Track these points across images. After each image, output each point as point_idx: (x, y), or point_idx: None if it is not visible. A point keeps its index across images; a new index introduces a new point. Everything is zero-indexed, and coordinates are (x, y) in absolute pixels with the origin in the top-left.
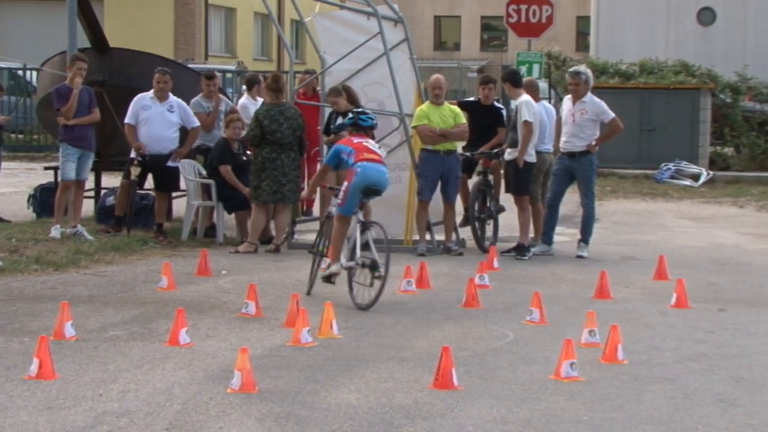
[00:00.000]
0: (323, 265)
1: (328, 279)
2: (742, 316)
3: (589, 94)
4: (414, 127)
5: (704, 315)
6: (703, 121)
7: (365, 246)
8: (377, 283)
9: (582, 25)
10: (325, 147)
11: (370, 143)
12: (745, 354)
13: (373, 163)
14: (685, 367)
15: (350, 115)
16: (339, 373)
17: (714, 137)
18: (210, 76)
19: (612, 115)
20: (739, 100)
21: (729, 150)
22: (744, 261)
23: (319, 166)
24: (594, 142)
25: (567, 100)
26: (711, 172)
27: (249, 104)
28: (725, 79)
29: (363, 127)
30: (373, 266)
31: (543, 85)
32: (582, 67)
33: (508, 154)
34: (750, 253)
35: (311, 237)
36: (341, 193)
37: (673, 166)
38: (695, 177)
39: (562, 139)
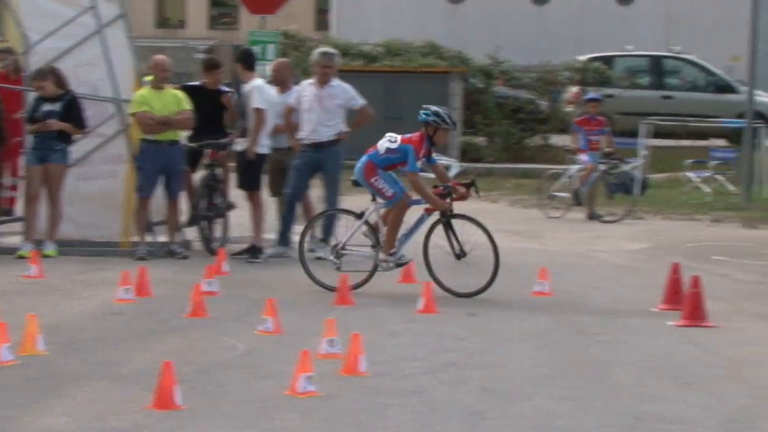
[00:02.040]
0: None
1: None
2: (494, 320)
3: (336, 78)
4: (132, 114)
5: (453, 320)
6: (454, 107)
7: None
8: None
9: (322, 2)
10: (30, 137)
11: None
12: (495, 363)
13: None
14: (432, 378)
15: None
16: (44, 395)
17: (466, 125)
18: None
19: (362, 101)
20: (491, 85)
21: (482, 139)
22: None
23: None
24: (345, 131)
25: (309, 84)
26: (463, 164)
27: None
28: (477, 62)
29: (420, 122)
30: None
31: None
32: (331, 48)
33: (239, 144)
34: (503, 252)
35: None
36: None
37: None
38: (446, 169)
39: (306, 128)
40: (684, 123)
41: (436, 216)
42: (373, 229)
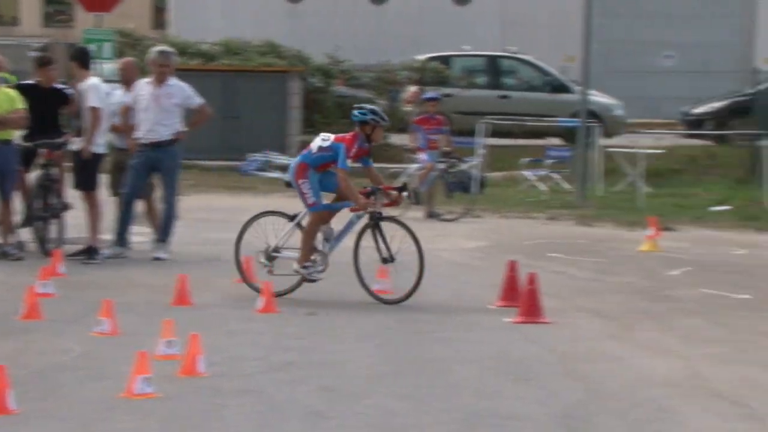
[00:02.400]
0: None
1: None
2: (333, 319)
3: (173, 77)
4: None
5: (293, 320)
6: (293, 107)
7: None
8: None
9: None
10: None
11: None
12: (334, 361)
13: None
14: (271, 378)
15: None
16: None
17: (305, 125)
18: None
19: (200, 100)
20: (331, 85)
21: None
22: (336, 259)
23: None
24: (183, 130)
25: (145, 83)
26: None
27: None
28: (316, 61)
29: (355, 122)
30: None
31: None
32: (168, 47)
33: (74, 144)
34: (342, 251)
35: None
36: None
37: (261, 156)
38: (284, 168)
39: (144, 127)
40: (520, 122)
41: (365, 220)
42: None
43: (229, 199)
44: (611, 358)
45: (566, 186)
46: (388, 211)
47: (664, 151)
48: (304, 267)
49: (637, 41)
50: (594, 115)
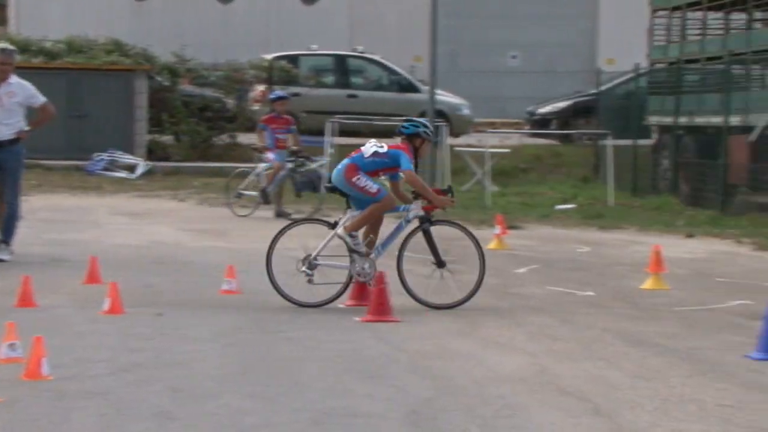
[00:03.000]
0: None
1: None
2: (182, 320)
3: (15, 75)
4: None
5: (140, 321)
6: (140, 106)
7: None
8: None
9: None
10: None
11: (367, 144)
12: (183, 362)
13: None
14: (118, 379)
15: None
16: None
17: (152, 124)
18: None
19: (43, 99)
20: (177, 84)
21: (169, 138)
22: (184, 260)
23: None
24: (26, 129)
25: None
26: (149, 163)
27: None
28: (163, 60)
29: (406, 135)
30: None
31: None
32: (9, 45)
33: None
34: (191, 251)
35: None
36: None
37: (107, 156)
38: (131, 168)
39: None
40: (369, 121)
41: (413, 225)
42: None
43: (74, 200)
44: (460, 355)
45: None
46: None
47: (510, 150)
48: (351, 236)
49: (483, 42)
50: (441, 114)
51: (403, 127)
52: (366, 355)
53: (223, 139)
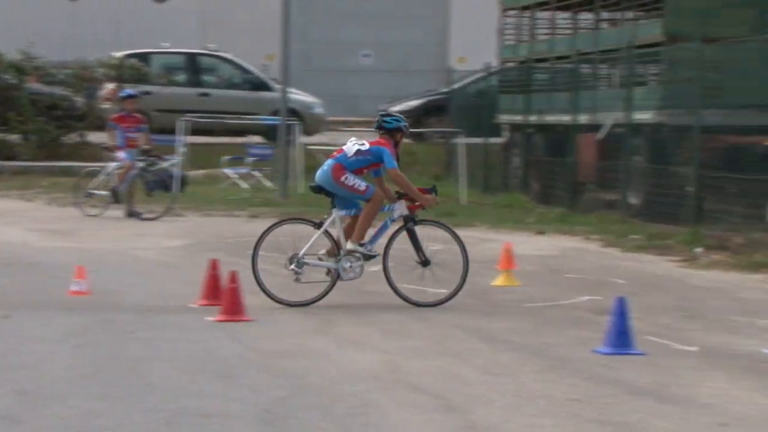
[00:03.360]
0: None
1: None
2: (29, 321)
3: None
4: None
5: None
6: None
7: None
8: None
9: None
10: None
11: (348, 143)
12: (30, 363)
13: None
14: None
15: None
16: None
17: None
18: None
19: None
20: (24, 82)
21: (16, 137)
22: (32, 260)
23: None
24: None
25: None
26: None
27: None
28: (8, 57)
29: (387, 129)
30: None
31: None
32: None
33: None
34: (39, 251)
35: None
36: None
37: None
38: None
39: None
40: (221, 120)
41: (398, 224)
42: (333, 240)
43: None
44: (314, 354)
45: (268, 184)
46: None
47: None
48: (361, 244)
49: (336, 40)
50: (294, 113)
51: (384, 122)
52: (219, 354)
53: (73, 138)
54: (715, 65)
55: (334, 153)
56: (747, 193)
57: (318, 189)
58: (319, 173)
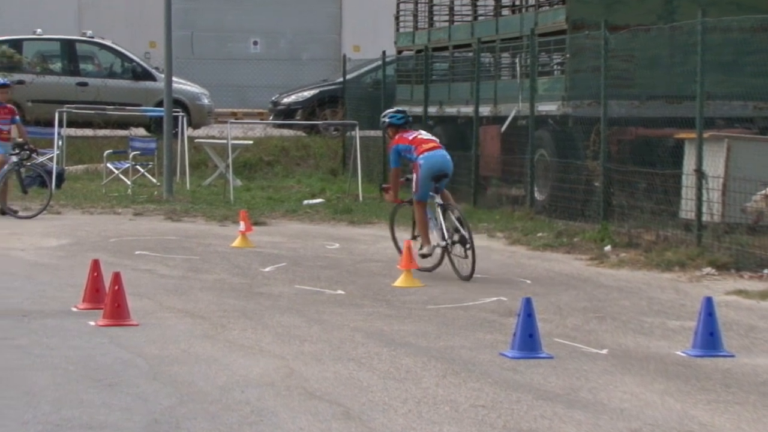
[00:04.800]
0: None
1: (424, 257)
2: None
3: None
4: None
5: None
6: None
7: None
8: (470, 254)
9: None
10: None
11: (423, 134)
12: None
13: (434, 151)
14: None
15: (398, 116)
16: None
17: None
18: None
19: None
20: None
21: None
22: None
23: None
24: None
25: None
26: None
27: None
28: None
29: (398, 125)
30: (463, 241)
31: None
32: None
33: None
34: None
35: None
36: (413, 185)
37: None
38: None
39: None
40: (102, 111)
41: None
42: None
43: None
44: (203, 360)
45: (153, 179)
46: None
47: (253, 142)
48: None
49: (221, 27)
50: (180, 104)
51: (396, 118)
52: (102, 361)
53: None
54: (621, 54)
55: (431, 142)
56: (657, 188)
57: (446, 176)
58: (442, 161)
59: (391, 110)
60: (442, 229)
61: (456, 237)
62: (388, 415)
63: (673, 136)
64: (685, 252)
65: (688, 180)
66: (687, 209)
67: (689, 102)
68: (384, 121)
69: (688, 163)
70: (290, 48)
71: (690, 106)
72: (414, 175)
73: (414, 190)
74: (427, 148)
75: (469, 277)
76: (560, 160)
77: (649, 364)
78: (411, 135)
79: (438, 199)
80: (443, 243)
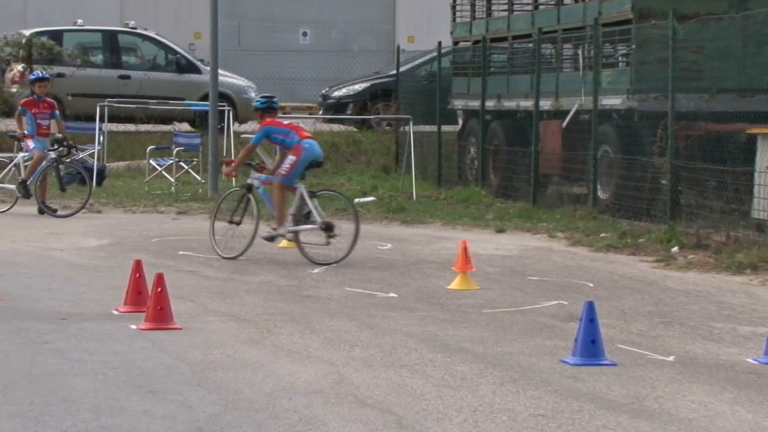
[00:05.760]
0: (267, 229)
1: (271, 239)
2: None
3: None
4: None
5: None
6: None
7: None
8: (333, 242)
9: None
10: None
11: (298, 123)
12: None
13: (313, 141)
14: None
15: (262, 100)
16: None
17: None
18: None
19: None
20: None
21: None
22: None
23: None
24: None
25: None
26: None
27: None
28: None
29: (262, 109)
30: (328, 228)
31: None
32: None
33: None
34: None
35: None
36: (287, 166)
37: None
38: None
39: None
40: (144, 105)
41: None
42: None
43: None
44: (249, 365)
45: (197, 177)
46: None
47: None
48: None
49: (269, 17)
50: (226, 98)
51: (259, 102)
52: (143, 366)
53: None
54: (690, 45)
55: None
56: (727, 186)
57: (320, 164)
58: (320, 151)
59: (260, 95)
60: (312, 213)
61: (322, 224)
62: (442, 425)
63: (745, 131)
64: (758, 254)
65: (760, 178)
66: (759, 209)
67: (762, 95)
68: (264, 103)
69: (761, 160)
70: (341, 39)
71: (763, 99)
72: (293, 157)
73: (285, 173)
74: (307, 135)
75: (334, 262)
76: (625, 156)
77: (719, 372)
78: (285, 121)
79: (302, 186)
80: (315, 226)
